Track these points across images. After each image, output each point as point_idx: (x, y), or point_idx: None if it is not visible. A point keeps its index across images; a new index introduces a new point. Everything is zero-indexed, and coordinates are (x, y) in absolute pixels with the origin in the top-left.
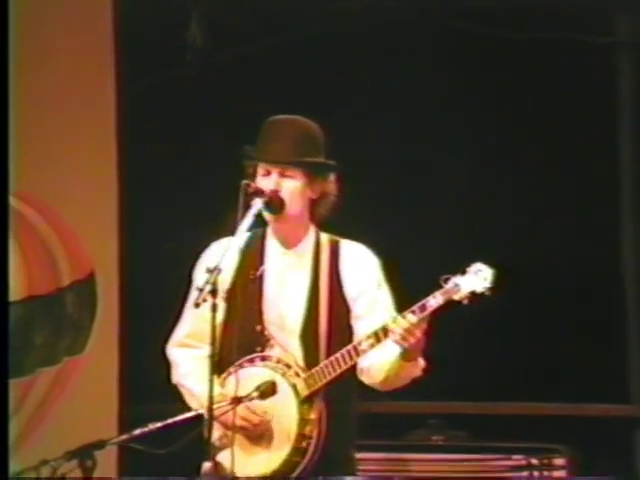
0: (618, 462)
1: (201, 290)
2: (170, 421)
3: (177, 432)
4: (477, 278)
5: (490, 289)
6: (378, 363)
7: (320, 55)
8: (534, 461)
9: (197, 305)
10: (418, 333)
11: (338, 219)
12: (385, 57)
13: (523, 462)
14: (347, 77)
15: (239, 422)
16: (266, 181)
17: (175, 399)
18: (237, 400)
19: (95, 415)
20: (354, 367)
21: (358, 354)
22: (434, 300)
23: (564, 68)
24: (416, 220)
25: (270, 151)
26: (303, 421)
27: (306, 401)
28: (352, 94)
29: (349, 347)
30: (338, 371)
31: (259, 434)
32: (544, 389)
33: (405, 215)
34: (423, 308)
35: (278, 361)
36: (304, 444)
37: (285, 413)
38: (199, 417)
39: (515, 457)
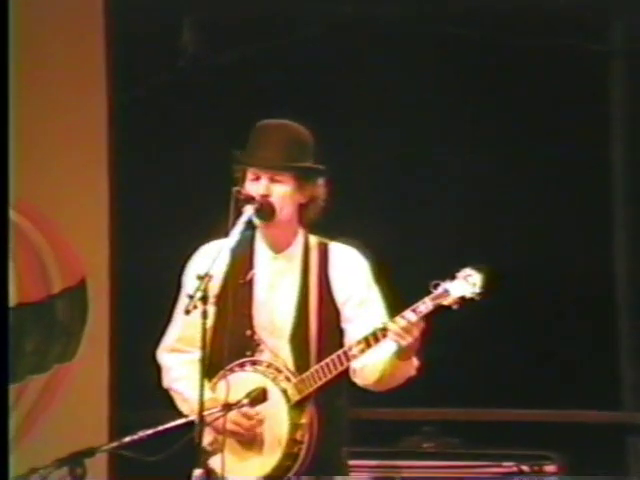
0: (609, 469)
1: (191, 297)
2: (161, 428)
3: (168, 439)
4: (466, 283)
5: (479, 294)
6: (372, 363)
7: (318, 58)
8: (525, 468)
9: (188, 312)
10: (416, 332)
11: (329, 222)
12: (383, 60)
13: (514, 469)
14: (344, 80)
15: (231, 426)
16: (255, 186)
17: (166, 406)
18: (228, 407)
19: (85, 422)
20: (345, 372)
21: (348, 359)
22: (424, 306)
23: (560, 73)
24: (408, 223)
25: (260, 156)
26: (294, 426)
27: (297, 406)
28: (348, 97)
29: (339, 352)
30: (329, 376)
31: (250, 439)
32: (535, 396)
33: (397, 218)
34: (413, 313)
35: (268, 366)
36: (295, 449)
37: (276, 418)
38: (190, 424)
39: (506, 464)
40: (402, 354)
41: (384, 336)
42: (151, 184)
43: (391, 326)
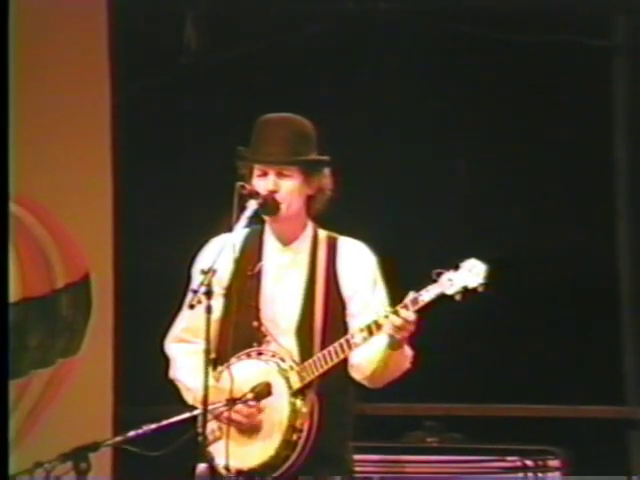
0: (613, 464)
1: (195, 292)
2: (165, 423)
3: (172, 434)
4: (470, 274)
5: (483, 285)
6: (367, 356)
7: (317, 56)
8: (529, 463)
9: (192, 307)
10: (411, 327)
11: (336, 215)
12: (384, 56)
13: (518, 464)
14: (346, 77)
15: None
16: (263, 182)
17: (170, 400)
18: (232, 401)
19: (89, 417)
20: (347, 361)
21: (350, 347)
22: (427, 294)
23: (562, 70)
24: (413, 216)
25: (266, 152)
26: (294, 413)
27: (298, 393)
28: (350, 94)
29: (342, 340)
30: (330, 364)
31: (251, 426)
32: (539, 391)
33: (403, 211)
34: (415, 302)
35: (273, 355)
36: (294, 437)
37: (277, 405)
38: (194, 418)
39: (510, 459)
40: (393, 344)
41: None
42: (154, 179)
43: (391, 319)
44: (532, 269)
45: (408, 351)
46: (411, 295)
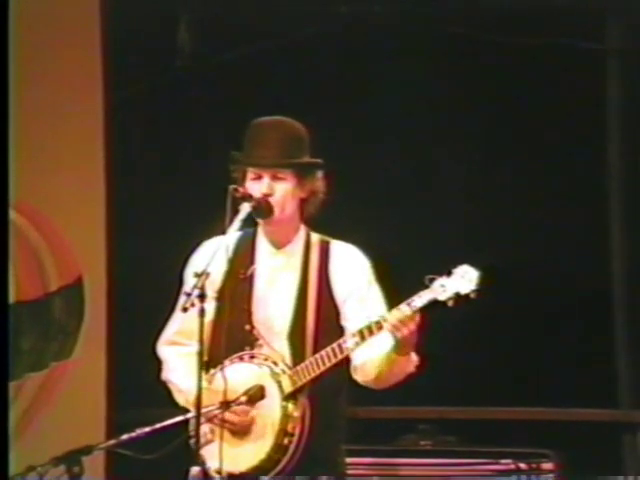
0: (606, 467)
1: (189, 295)
2: (158, 426)
3: (165, 437)
4: (463, 280)
5: (475, 291)
6: (371, 359)
7: (315, 58)
8: (522, 466)
9: (185, 310)
10: (412, 325)
11: (329, 219)
12: (381, 59)
13: (512, 467)
14: (342, 79)
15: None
16: (257, 185)
17: (163, 403)
18: (225, 404)
19: (83, 420)
20: (339, 365)
21: (342, 352)
22: (419, 300)
23: (556, 72)
24: (407, 221)
25: (260, 155)
26: (286, 417)
27: (290, 398)
28: (348, 96)
29: (334, 345)
30: (322, 368)
31: (242, 428)
32: (532, 394)
33: (396, 216)
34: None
35: (266, 358)
36: (286, 441)
37: (269, 408)
38: (187, 421)
39: (503, 462)
40: (400, 349)
41: (379, 329)
42: (148, 183)
43: (387, 318)
44: (527, 273)
45: (414, 357)
46: (404, 302)
